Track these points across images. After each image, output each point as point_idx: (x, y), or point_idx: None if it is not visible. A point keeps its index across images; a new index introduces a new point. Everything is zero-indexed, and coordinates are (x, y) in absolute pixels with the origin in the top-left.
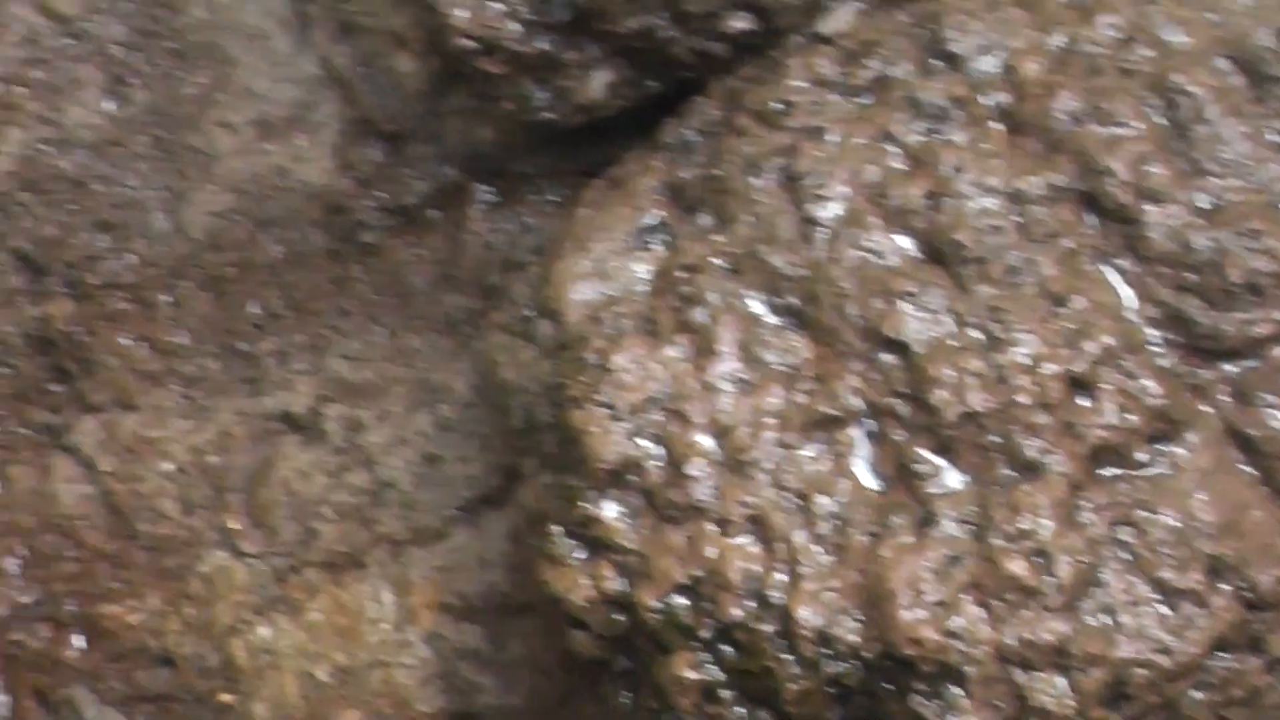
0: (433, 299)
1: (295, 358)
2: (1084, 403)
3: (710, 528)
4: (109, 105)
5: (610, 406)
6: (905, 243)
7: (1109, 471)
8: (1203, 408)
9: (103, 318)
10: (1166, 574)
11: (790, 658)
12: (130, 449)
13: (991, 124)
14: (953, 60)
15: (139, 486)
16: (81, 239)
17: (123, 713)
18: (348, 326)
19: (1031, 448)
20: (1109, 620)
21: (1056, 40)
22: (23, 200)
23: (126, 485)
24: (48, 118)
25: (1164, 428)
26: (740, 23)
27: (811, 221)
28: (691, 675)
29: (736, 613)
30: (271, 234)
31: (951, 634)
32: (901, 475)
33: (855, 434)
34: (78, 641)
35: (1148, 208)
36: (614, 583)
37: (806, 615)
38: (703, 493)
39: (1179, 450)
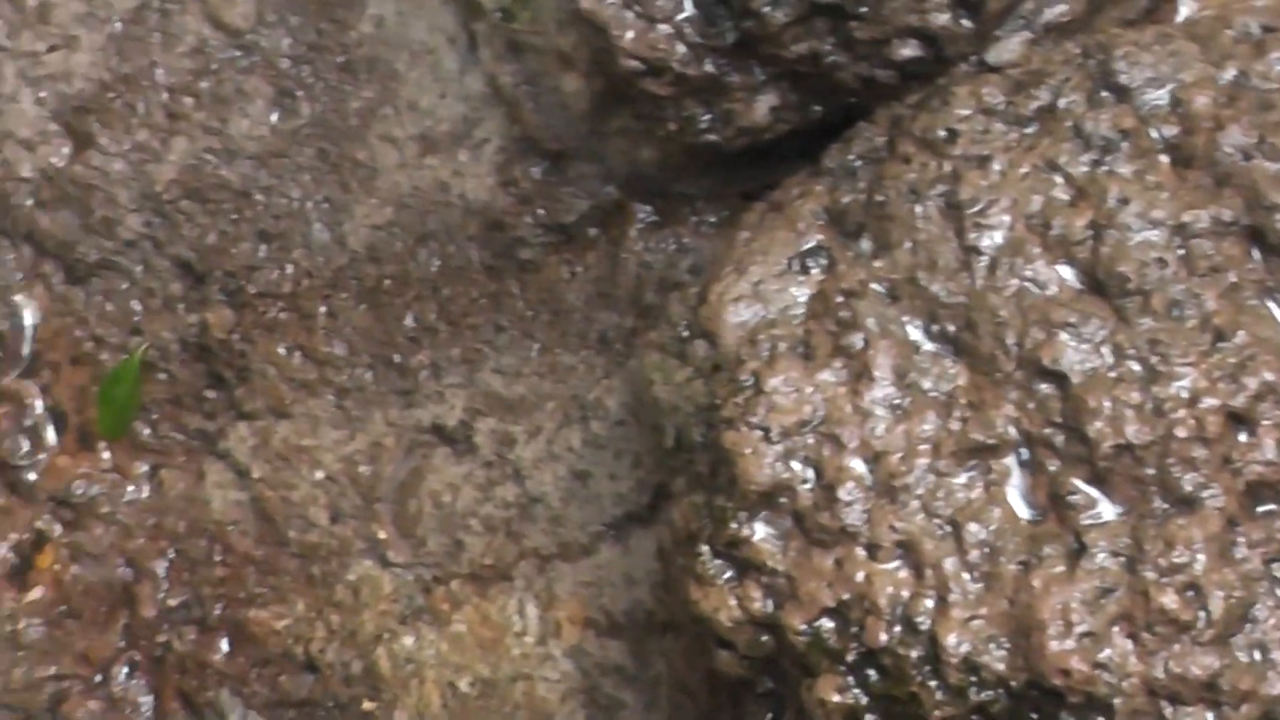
0: (588, 316)
1: (449, 371)
2: (1242, 438)
3: (860, 552)
4: (274, 117)
5: (764, 428)
6: (1067, 273)
7: (1266, 507)
8: None
9: (260, 326)
10: None
11: (936, 684)
12: (282, 456)
13: (1159, 156)
14: (1122, 92)
15: (290, 494)
16: (242, 248)
17: (266, 717)
18: (502, 342)
19: (1188, 482)
20: (1261, 656)
21: (1227, 74)
22: (185, 208)
23: (277, 492)
24: (213, 128)
25: None
26: (908, 50)
27: (972, 249)
28: (836, 699)
29: (883, 638)
30: (430, 248)
31: (1100, 665)
32: (1055, 505)
33: (1009, 462)
34: (223, 645)
35: None
36: (761, 604)
37: (954, 642)
38: (853, 517)
39: None
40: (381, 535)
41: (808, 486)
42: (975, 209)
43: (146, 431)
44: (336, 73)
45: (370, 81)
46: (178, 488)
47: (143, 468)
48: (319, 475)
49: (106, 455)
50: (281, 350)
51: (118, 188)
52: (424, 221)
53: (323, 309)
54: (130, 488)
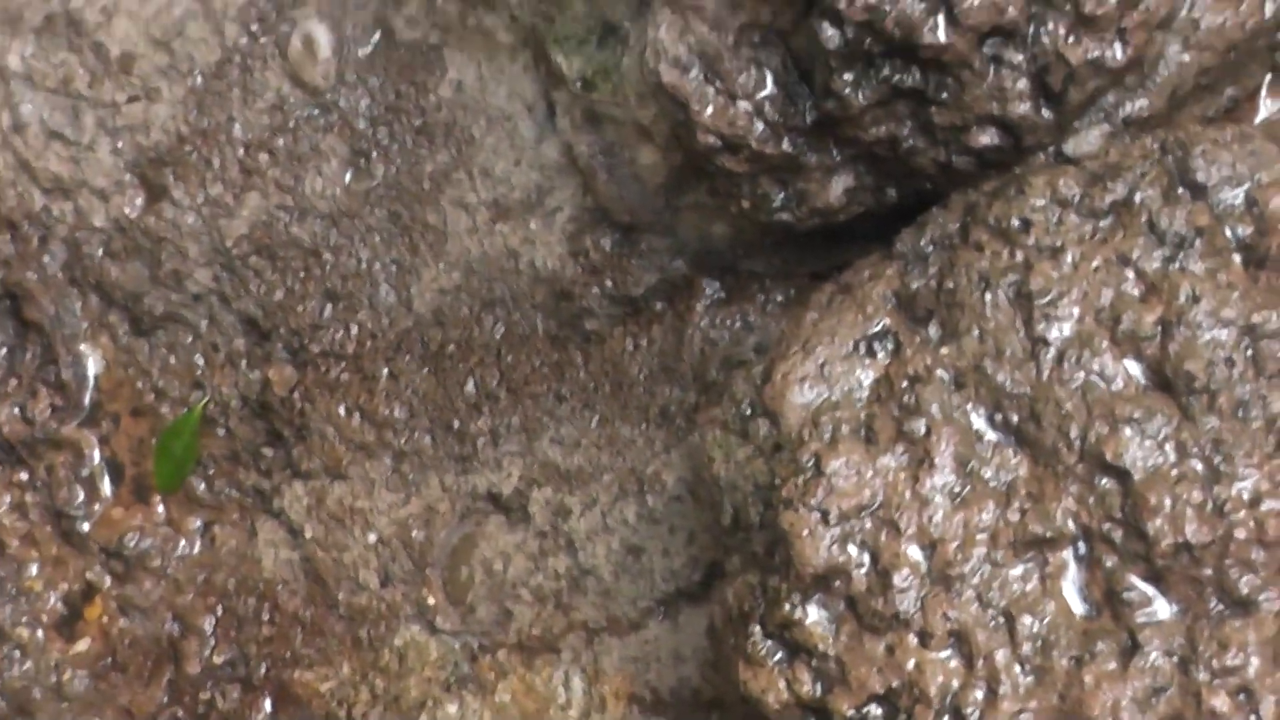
0: (650, 390)
1: (507, 439)
2: None
3: (911, 639)
4: (348, 177)
5: (822, 511)
6: (1134, 368)
7: None
8: None
9: (322, 385)
10: None
11: None
12: (336, 517)
13: (1232, 255)
14: (1198, 189)
15: (341, 555)
16: (308, 306)
17: None
18: (562, 412)
19: (1245, 584)
20: None
21: None
22: (254, 264)
23: (329, 553)
24: (287, 185)
25: None
26: (987, 138)
27: (1040, 340)
28: None
29: None
30: (495, 314)
31: None
32: (1110, 601)
33: (1066, 556)
34: (266, 705)
35: None
36: (810, 687)
37: None
38: (907, 604)
39: None
40: (431, 601)
41: (863, 571)
42: (1045, 300)
43: (202, 486)
44: (413, 135)
45: (446, 145)
46: (230, 544)
47: (196, 523)
48: (371, 538)
49: (161, 509)
50: (341, 410)
51: (188, 241)
52: (491, 288)
53: (385, 371)
54: (182, 542)
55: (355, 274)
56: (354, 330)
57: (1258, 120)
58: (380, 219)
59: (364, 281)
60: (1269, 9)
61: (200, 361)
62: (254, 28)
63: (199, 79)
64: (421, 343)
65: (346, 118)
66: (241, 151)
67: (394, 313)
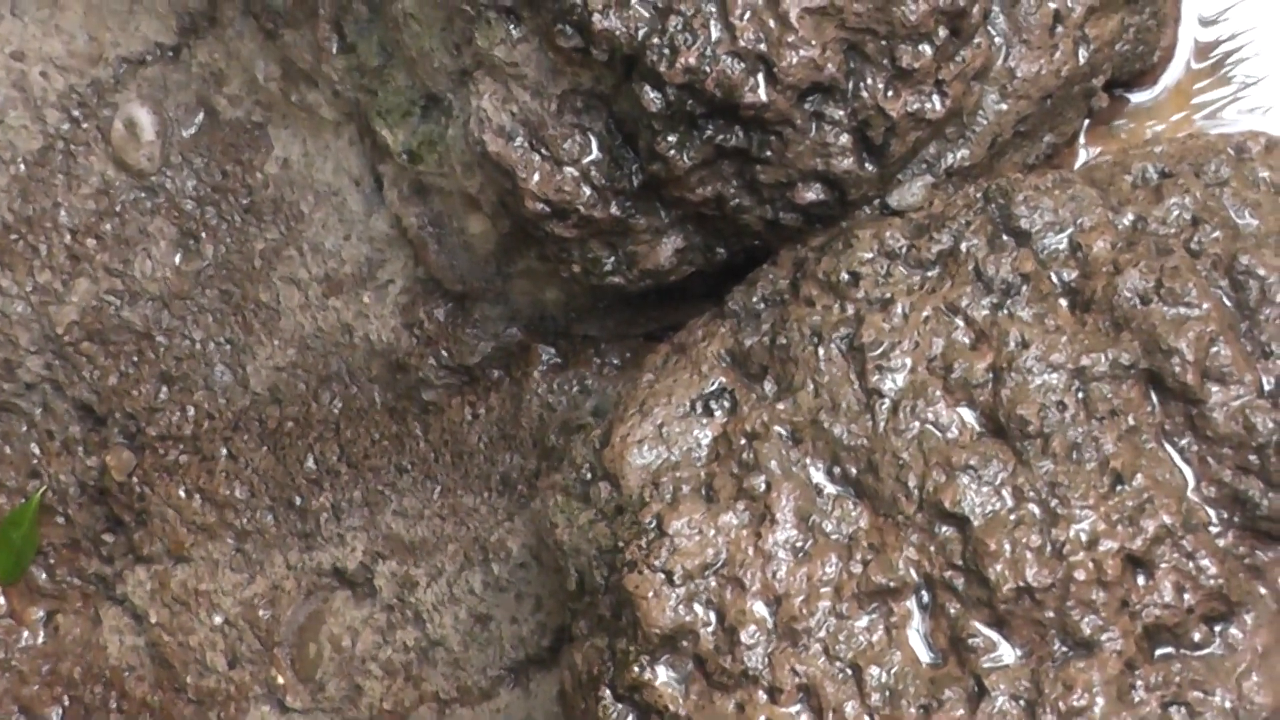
0: (490, 458)
1: (350, 513)
2: (1141, 581)
3: (761, 695)
4: (178, 259)
5: (666, 571)
6: (968, 416)
7: (1163, 650)
8: (1260, 589)
9: (160, 469)
10: None
11: None
12: (181, 601)
13: (1059, 300)
14: (1022, 236)
15: (187, 638)
16: (143, 390)
17: None
18: (404, 484)
19: (1087, 625)
20: None
21: (1126, 219)
22: (87, 350)
23: (175, 637)
24: (116, 269)
25: (1220, 608)
26: (812, 194)
27: (874, 392)
28: None
29: None
30: (332, 389)
31: None
32: (955, 648)
33: (910, 605)
34: None
35: (1212, 388)
36: None
37: None
38: (755, 660)
39: (1234, 631)
40: (280, 680)
41: (709, 630)
42: (877, 352)
43: (43, 575)
44: (241, 214)
45: (275, 223)
46: (74, 633)
47: (39, 613)
48: (217, 619)
49: (1, 600)
50: (181, 493)
51: (18, 329)
52: (327, 363)
53: (224, 451)
54: (25, 633)
55: (189, 355)
56: (191, 411)
57: (1077, 165)
58: (212, 299)
59: (199, 362)
60: (1083, 56)
61: (36, 450)
62: (75, 113)
63: (21, 167)
64: (259, 421)
65: (173, 199)
66: (69, 238)
67: (230, 392)
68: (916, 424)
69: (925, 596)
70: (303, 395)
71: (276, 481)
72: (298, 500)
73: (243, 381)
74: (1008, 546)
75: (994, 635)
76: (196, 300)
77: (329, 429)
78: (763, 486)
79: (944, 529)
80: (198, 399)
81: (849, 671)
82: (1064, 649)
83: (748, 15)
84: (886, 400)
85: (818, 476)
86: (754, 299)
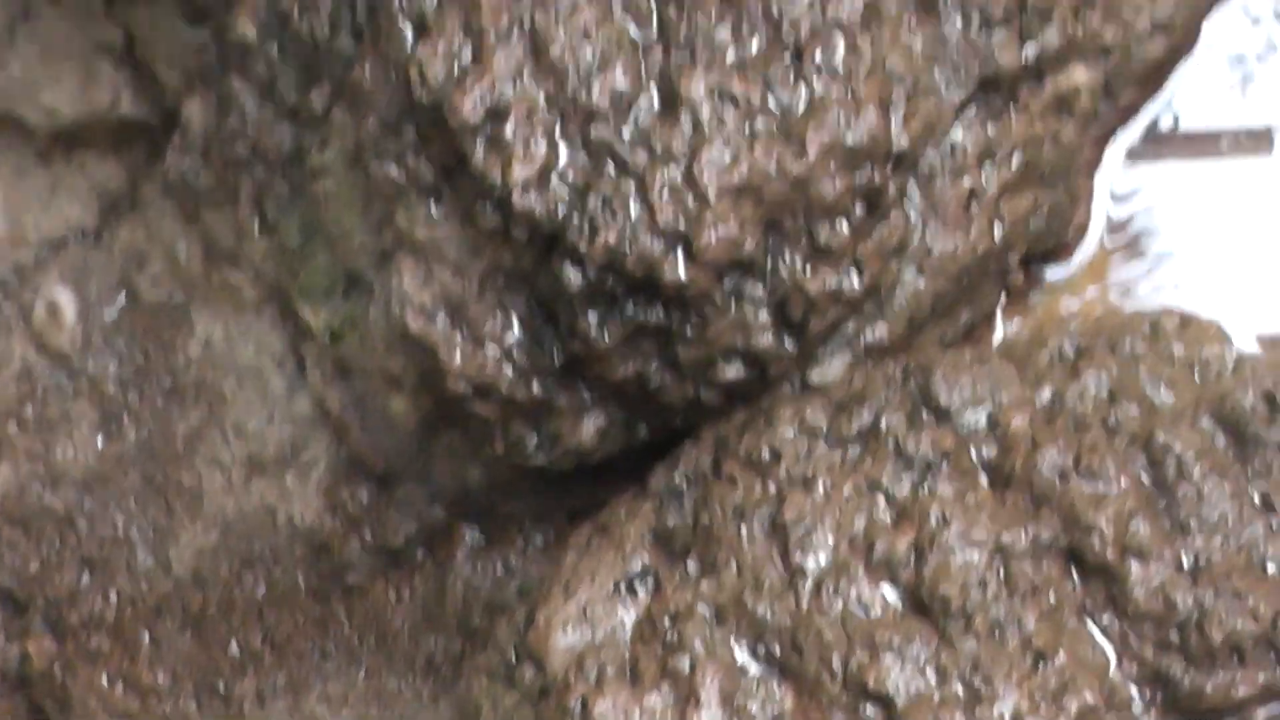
0: (415, 641)
1: (274, 698)
2: None
3: None
4: (100, 442)
5: None
6: (890, 594)
7: None
8: None
9: (82, 656)
10: None
11: None
12: None
13: (979, 477)
14: (941, 412)
15: None
16: (65, 576)
17: None
18: (328, 668)
19: None
20: None
21: (1043, 395)
22: (7, 536)
23: None
24: (37, 453)
25: None
26: (733, 371)
27: (798, 570)
28: None
29: None
30: (256, 572)
31: None
32: None
33: None
34: None
35: (1131, 565)
36: None
37: None
38: None
39: None
40: None
41: None
42: (800, 530)
43: None
44: (163, 396)
45: (197, 404)
46: None
47: None
48: None
49: None
50: (104, 680)
51: None
52: (250, 545)
53: (146, 637)
54: None
55: (112, 540)
56: (113, 597)
57: (995, 342)
58: (134, 482)
59: (121, 547)
60: (998, 233)
61: None
62: None
63: None
64: (182, 605)
65: (95, 382)
66: None
67: (153, 576)
68: (840, 602)
69: None
70: (226, 578)
71: (199, 667)
72: (221, 685)
73: (165, 565)
74: None
75: None
76: (119, 484)
77: (252, 612)
78: (687, 667)
79: (868, 708)
80: (120, 584)
81: None
82: None
83: (667, 193)
84: (809, 579)
85: (742, 656)
86: (676, 477)
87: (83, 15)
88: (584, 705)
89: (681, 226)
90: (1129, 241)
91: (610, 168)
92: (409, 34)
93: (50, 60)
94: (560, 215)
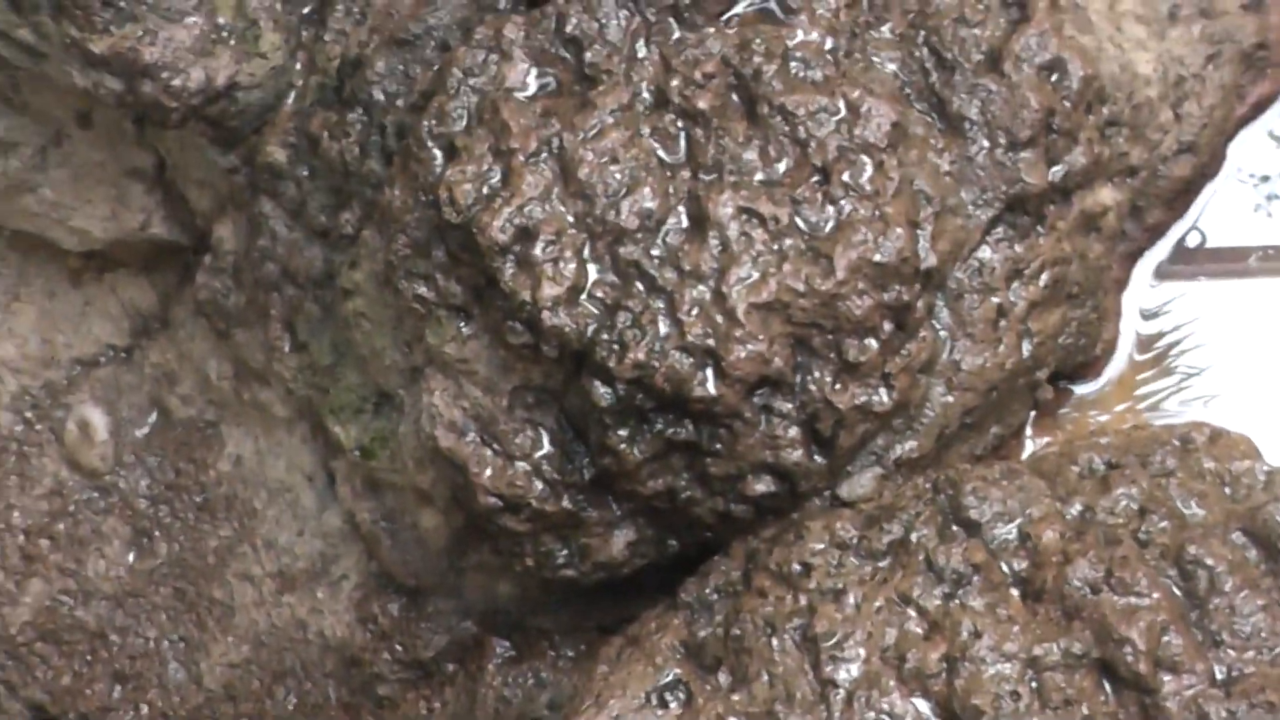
0: None
1: None
2: None
3: None
4: (131, 557)
5: None
6: (922, 705)
7: None
8: None
9: None
10: None
11: None
12: None
13: (1010, 590)
14: (971, 526)
15: None
16: (96, 689)
17: None
18: None
19: None
20: None
21: (1073, 509)
22: (40, 651)
23: None
24: (69, 569)
25: None
26: (762, 485)
27: (829, 682)
28: None
29: None
30: (287, 685)
31: None
32: None
33: None
34: None
35: (1164, 678)
36: None
37: None
38: None
39: None
40: None
41: None
42: (831, 642)
43: None
44: (194, 512)
45: (228, 520)
46: None
47: None
48: None
49: None
50: None
51: None
52: (281, 659)
53: None
54: None
55: (143, 654)
56: (145, 710)
57: (1024, 456)
58: (166, 597)
59: (152, 660)
60: (1026, 349)
61: None
62: (28, 414)
63: None
64: (214, 718)
65: (126, 498)
66: (22, 538)
67: (184, 690)
68: (871, 714)
69: None
70: (257, 692)
71: None
72: None
73: (197, 679)
74: None
75: None
76: (150, 598)
77: None
78: None
79: None
80: (151, 697)
81: None
82: None
83: (695, 311)
84: (841, 691)
85: None
86: (707, 590)
87: (114, 140)
88: None
89: (710, 343)
90: (1158, 357)
91: (639, 286)
92: (438, 156)
93: (82, 184)
94: (589, 333)
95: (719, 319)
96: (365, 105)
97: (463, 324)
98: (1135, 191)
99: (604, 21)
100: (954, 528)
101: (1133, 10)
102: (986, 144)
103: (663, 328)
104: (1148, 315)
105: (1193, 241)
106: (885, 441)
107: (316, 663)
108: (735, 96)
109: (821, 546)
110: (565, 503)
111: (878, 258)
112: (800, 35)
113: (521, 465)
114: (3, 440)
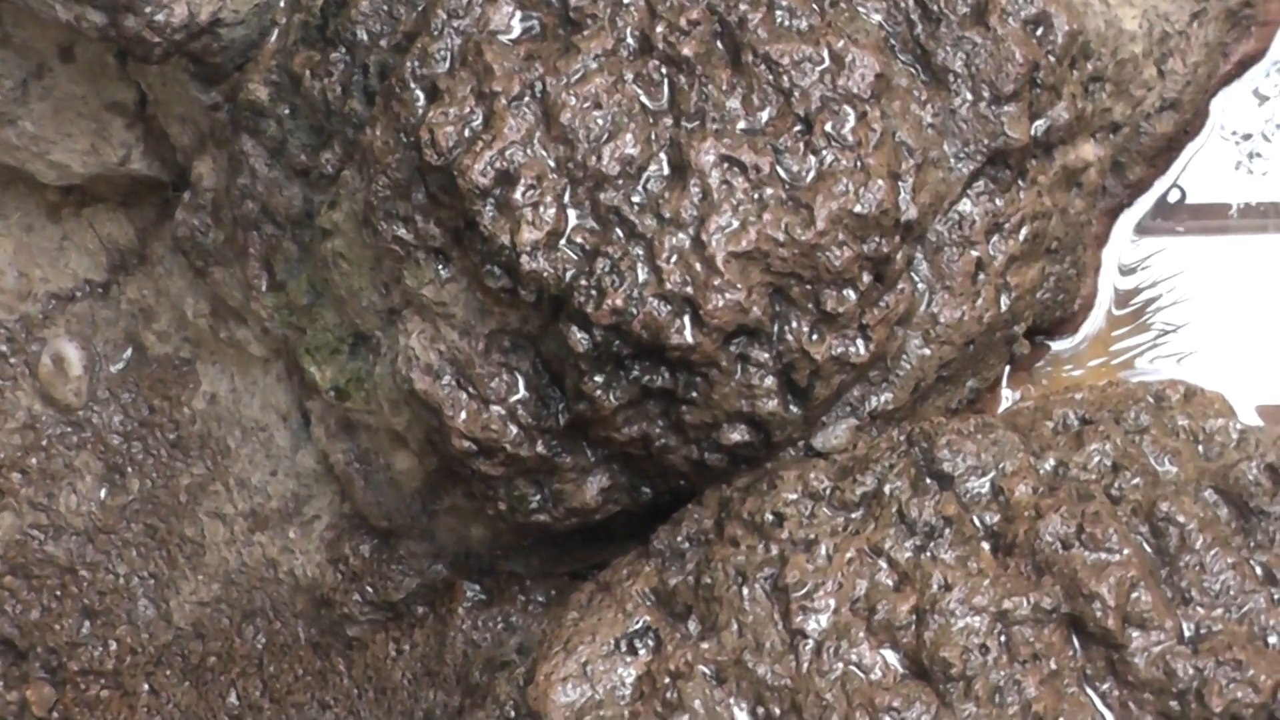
0: (414, 695)
1: None
2: None
3: None
4: (103, 493)
5: None
6: (891, 657)
7: None
8: None
9: (81, 704)
10: None
11: None
12: None
13: (981, 543)
14: (944, 479)
15: None
16: (65, 624)
17: None
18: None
19: None
20: None
21: (1047, 464)
22: (8, 585)
23: None
24: (40, 503)
25: None
26: (737, 435)
27: (798, 632)
28: None
29: None
30: (256, 625)
31: None
32: None
33: None
34: None
35: (1133, 633)
36: None
37: None
38: None
39: None
40: None
41: None
42: (801, 593)
43: None
44: (167, 449)
45: (201, 458)
46: None
47: None
48: None
49: None
50: None
51: None
52: (251, 598)
53: (145, 686)
54: None
55: (113, 590)
56: (113, 646)
57: (999, 410)
58: (137, 533)
59: (122, 597)
60: (1004, 303)
61: None
62: (2, 348)
63: None
64: (182, 656)
65: (100, 434)
66: None
67: (153, 627)
68: (840, 665)
69: None
70: (226, 630)
71: (198, 717)
72: None
73: (166, 616)
74: None
75: None
76: (121, 535)
77: (252, 664)
78: None
79: None
80: (120, 633)
81: None
82: None
83: (674, 258)
84: (810, 641)
85: (741, 716)
86: (679, 538)
87: (95, 75)
88: None
89: (689, 291)
90: (1135, 313)
91: (619, 233)
92: (420, 98)
93: (62, 118)
94: (568, 278)
95: (698, 267)
96: (348, 44)
97: (441, 267)
98: (1117, 147)
99: None
100: (927, 480)
101: None
102: (970, 97)
103: (641, 274)
104: (1126, 271)
105: (1174, 198)
106: (861, 393)
107: (286, 602)
108: (720, 44)
109: (794, 497)
110: (539, 448)
111: (858, 209)
112: None
113: (497, 409)
114: None
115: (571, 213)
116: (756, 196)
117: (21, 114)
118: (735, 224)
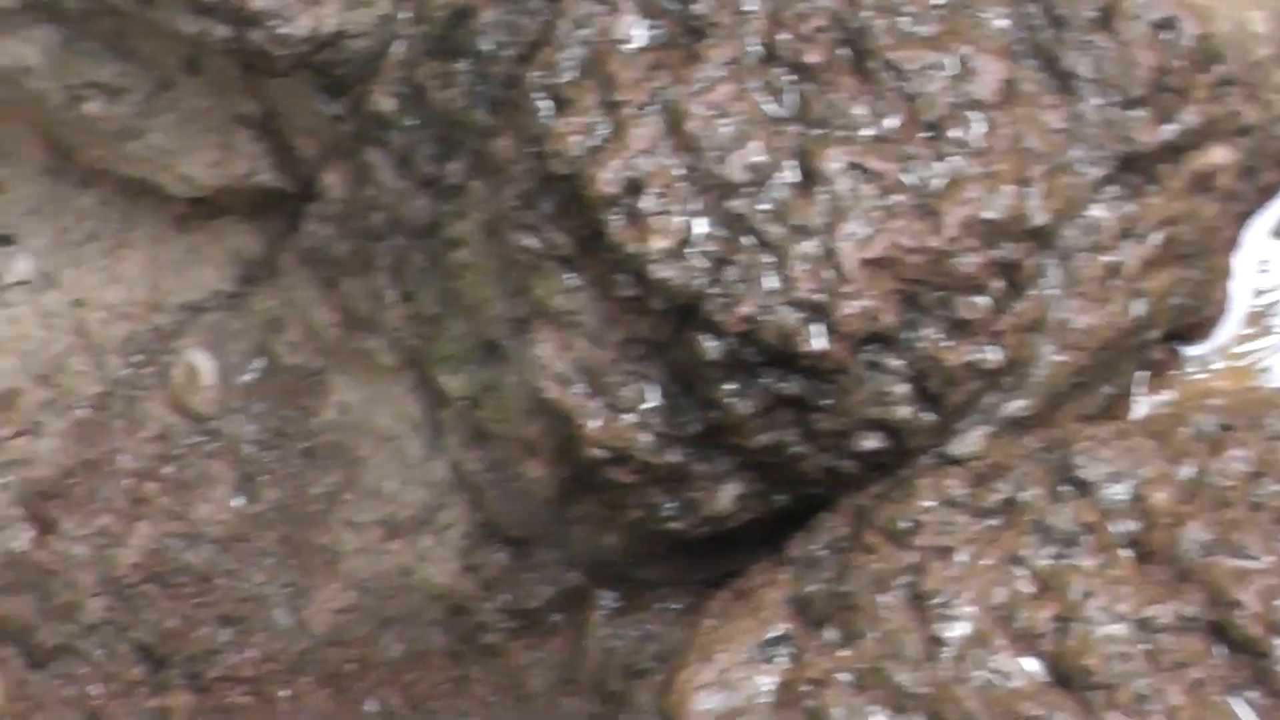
0: (552, 703)
1: None
2: None
3: None
4: (238, 502)
5: None
6: (1032, 665)
7: None
8: None
9: (221, 711)
10: None
11: None
12: None
13: (1120, 551)
14: (1082, 486)
15: None
16: (204, 632)
17: None
18: None
19: None
20: None
21: (1186, 471)
22: (147, 592)
23: None
24: (176, 512)
25: None
26: (871, 442)
27: (938, 640)
28: None
29: None
30: (392, 632)
31: None
32: None
33: None
34: None
35: (1277, 641)
36: None
37: None
38: None
39: None
40: None
41: None
42: (939, 600)
43: None
44: (300, 458)
45: (333, 467)
46: None
47: None
48: None
49: None
50: None
51: (79, 572)
52: (386, 606)
53: (284, 694)
54: None
55: (249, 598)
56: (251, 654)
57: (1134, 416)
58: (271, 542)
59: (259, 604)
60: (1138, 310)
61: (97, 692)
62: (136, 359)
63: (82, 412)
64: (319, 664)
65: (233, 443)
66: (129, 481)
67: (290, 635)
68: (980, 673)
69: None
70: (362, 638)
71: None
72: None
73: (302, 624)
74: None
75: None
76: (256, 543)
77: (389, 672)
78: None
79: None
80: (258, 641)
81: None
82: None
83: (805, 266)
84: (950, 648)
85: None
86: (814, 546)
87: (221, 87)
88: None
89: (819, 298)
90: (1269, 320)
91: (747, 240)
92: (546, 108)
93: (188, 130)
94: (697, 286)
95: (828, 274)
96: (472, 55)
97: (569, 275)
98: (1249, 151)
99: None
100: (1064, 487)
101: None
102: (1097, 101)
103: (771, 282)
104: (1260, 276)
105: None
106: (994, 400)
107: (422, 610)
108: (844, 51)
109: (930, 504)
110: (672, 455)
111: (988, 215)
112: None
113: (628, 417)
114: (109, 384)
115: (699, 221)
116: (885, 203)
117: (149, 127)
118: (865, 231)
